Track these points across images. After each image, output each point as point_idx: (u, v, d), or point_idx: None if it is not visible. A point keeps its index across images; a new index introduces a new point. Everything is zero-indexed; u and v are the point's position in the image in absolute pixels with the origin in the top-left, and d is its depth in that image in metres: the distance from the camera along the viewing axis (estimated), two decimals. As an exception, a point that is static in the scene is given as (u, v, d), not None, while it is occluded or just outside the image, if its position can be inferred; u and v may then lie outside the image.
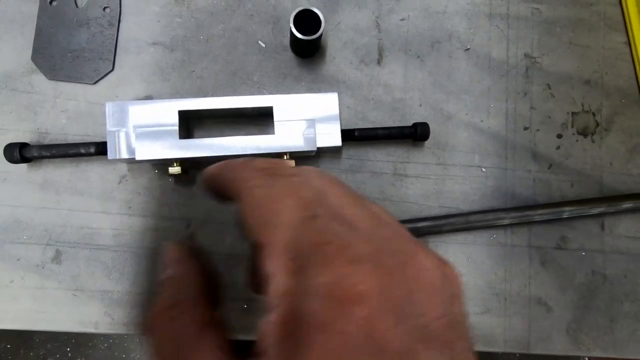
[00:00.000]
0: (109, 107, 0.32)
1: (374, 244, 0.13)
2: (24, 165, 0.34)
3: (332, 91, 0.35)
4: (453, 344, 0.13)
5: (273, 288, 0.13)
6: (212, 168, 0.18)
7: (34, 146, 0.32)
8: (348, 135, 0.35)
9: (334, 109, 0.34)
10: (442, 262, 0.14)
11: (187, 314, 0.15)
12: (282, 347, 0.12)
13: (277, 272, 0.13)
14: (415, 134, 0.35)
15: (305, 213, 0.14)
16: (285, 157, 0.34)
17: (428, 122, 0.37)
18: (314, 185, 0.15)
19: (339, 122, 0.34)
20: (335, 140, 0.34)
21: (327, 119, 0.34)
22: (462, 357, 0.13)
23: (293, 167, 0.17)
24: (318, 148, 0.34)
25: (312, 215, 0.14)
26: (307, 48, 0.36)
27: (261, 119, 0.36)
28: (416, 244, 0.14)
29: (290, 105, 0.34)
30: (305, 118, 0.34)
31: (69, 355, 1.33)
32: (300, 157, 0.36)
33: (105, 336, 1.34)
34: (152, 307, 0.15)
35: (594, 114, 0.39)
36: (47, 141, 0.34)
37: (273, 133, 0.33)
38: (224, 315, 0.16)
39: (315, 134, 0.33)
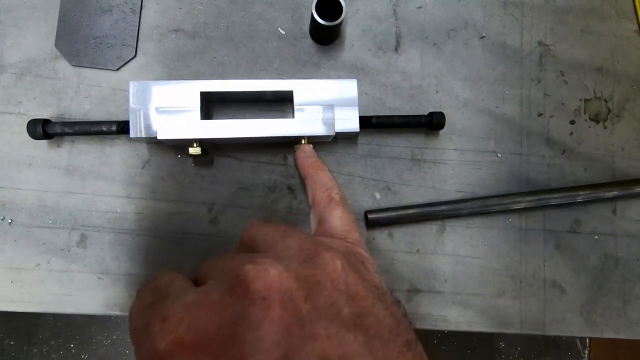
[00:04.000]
0: (133, 86, 0.32)
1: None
2: (49, 150, 0.34)
3: (351, 78, 0.36)
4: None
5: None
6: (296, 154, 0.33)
7: (56, 122, 0.32)
8: (366, 122, 0.35)
9: (353, 95, 0.35)
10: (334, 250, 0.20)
11: None
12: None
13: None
14: (430, 123, 0.36)
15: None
16: (303, 142, 0.34)
17: (444, 108, 0.38)
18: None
19: (357, 108, 0.35)
20: (354, 126, 0.35)
21: (346, 105, 0.35)
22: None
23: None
24: (336, 133, 0.34)
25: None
26: (327, 35, 0.36)
27: (280, 104, 0.37)
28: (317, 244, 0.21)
29: (310, 91, 0.34)
30: (325, 103, 0.34)
31: (73, 351, 1.33)
32: (318, 142, 0.36)
33: (109, 332, 1.34)
34: None
35: (605, 101, 0.40)
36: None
37: (292, 117, 0.34)
38: None
39: (334, 119, 0.34)
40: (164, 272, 0.21)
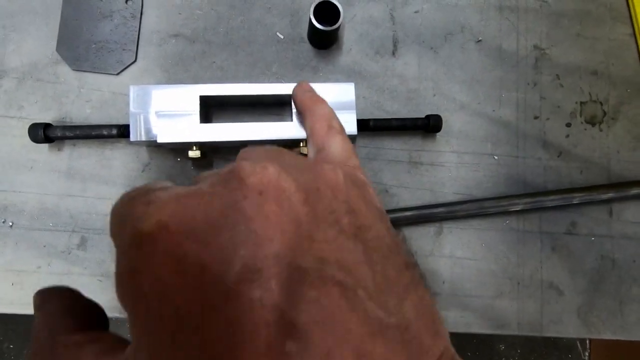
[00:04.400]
0: (133, 90, 0.32)
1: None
2: (50, 154, 0.35)
3: (349, 82, 0.36)
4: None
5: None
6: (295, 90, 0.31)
7: (57, 126, 0.33)
8: (363, 125, 0.36)
9: (351, 99, 0.35)
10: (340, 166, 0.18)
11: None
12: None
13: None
14: (428, 126, 0.36)
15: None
16: (301, 145, 0.34)
17: (441, 112, 0.38)
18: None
19: (355, 111, 0.35)
20: (351, 129, 0.35)
21: (343, 108, 0.35)
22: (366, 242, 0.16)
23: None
24: None
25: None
26: (325, 39, 0.37)
27: (279, 107, 0.37)
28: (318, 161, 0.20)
29: None
30: None
31: (72, 354, 1.33)
32: None
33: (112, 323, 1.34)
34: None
35: (601, 104, 0.41)
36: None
37: (291, 120, 0.34)
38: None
39: None
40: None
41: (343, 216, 0.16)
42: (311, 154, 0.26)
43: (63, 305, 0.16)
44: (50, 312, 0.16)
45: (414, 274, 0.16)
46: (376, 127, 0.36)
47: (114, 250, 0.34)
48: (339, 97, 0.35)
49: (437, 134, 0.38)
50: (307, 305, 0.13)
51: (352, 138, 0.37)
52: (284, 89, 0.34)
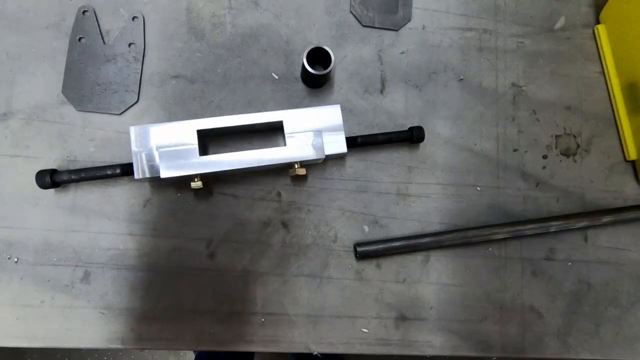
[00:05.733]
0: (133, 131, 0.34)
1: None
2: (54, 191, 0.36)
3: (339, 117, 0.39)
4: None
5: None
6: None
7: (63, 171, 0.34)
8: (352, 142, 0.38)
9: (338, 120, 0.38)
10: None
11: None
12: None
13: None
14: (412, 137, 0.39)
15: None
16: (296, 166, 0.37)
17: (427, 146, 0.41)
18: None
19: (343, 131, 0.37)
20: (341, 148, 0.37)
21: (332, 129, 0.37)
22: None
23: None
24: (326, 156, 0.37)
25: None
26: (318, 81, 0.39)
27: (272, 134, 0.39)
28: None
29: (298, 119, 0.37)
30: (313, 129, 0.37)
31: (62, 374, 1.31)
32: (309, 165, 0.39)
33: (100, 354, 1.32)
34: None
35: (575, 137, 0.44)
36: (75, 168, 0.37)
37: (284, 145, 0.36)
38: None
39: (322, 143, 0.37)
40: None
41: None
42: None
43: None
44: None
45: None
46: (364, 143, 0.38)
47: (116, 283, 0.36)
48: (327, 119, 0.37)
49: (424, 166, 0.41)
50: None
51: (341, 156, 0.39)
52: (275, 116, 0.37)
